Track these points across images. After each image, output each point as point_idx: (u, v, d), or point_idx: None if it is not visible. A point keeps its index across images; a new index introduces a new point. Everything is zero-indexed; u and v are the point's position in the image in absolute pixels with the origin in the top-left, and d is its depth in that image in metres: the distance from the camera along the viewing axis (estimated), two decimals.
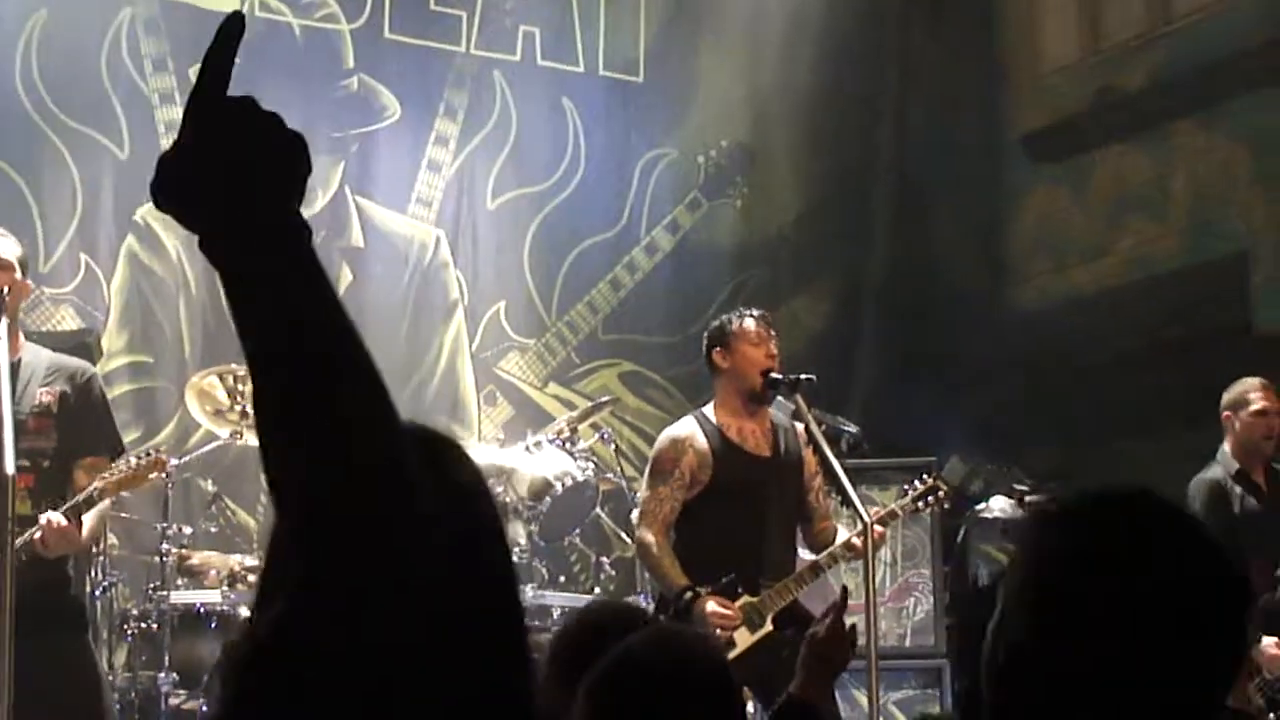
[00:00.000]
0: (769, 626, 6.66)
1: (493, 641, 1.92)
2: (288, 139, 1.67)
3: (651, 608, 7.31)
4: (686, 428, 6.96)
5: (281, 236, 1.64)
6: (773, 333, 6.97)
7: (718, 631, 6.50)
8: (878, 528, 6.61)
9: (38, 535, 5.85)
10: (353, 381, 1.68)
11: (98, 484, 5.93)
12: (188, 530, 8.69)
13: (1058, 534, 2.07)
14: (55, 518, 5.85)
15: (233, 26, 1.67)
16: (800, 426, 7.09)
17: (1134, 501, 2.08)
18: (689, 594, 6.62)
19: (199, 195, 1.63)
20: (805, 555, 7.12)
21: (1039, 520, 2.12)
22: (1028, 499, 9.70)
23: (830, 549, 6.82)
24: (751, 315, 6.97)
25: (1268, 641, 7.37)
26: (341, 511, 1.60)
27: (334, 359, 1.65)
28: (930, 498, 7.13)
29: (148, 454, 6.19)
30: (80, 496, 5.91)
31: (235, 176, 1.65)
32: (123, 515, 8.56)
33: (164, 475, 6.57)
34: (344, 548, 1.60)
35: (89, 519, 5.97)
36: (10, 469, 5.37)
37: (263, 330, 1.64)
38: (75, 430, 6.10)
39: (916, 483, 7.15)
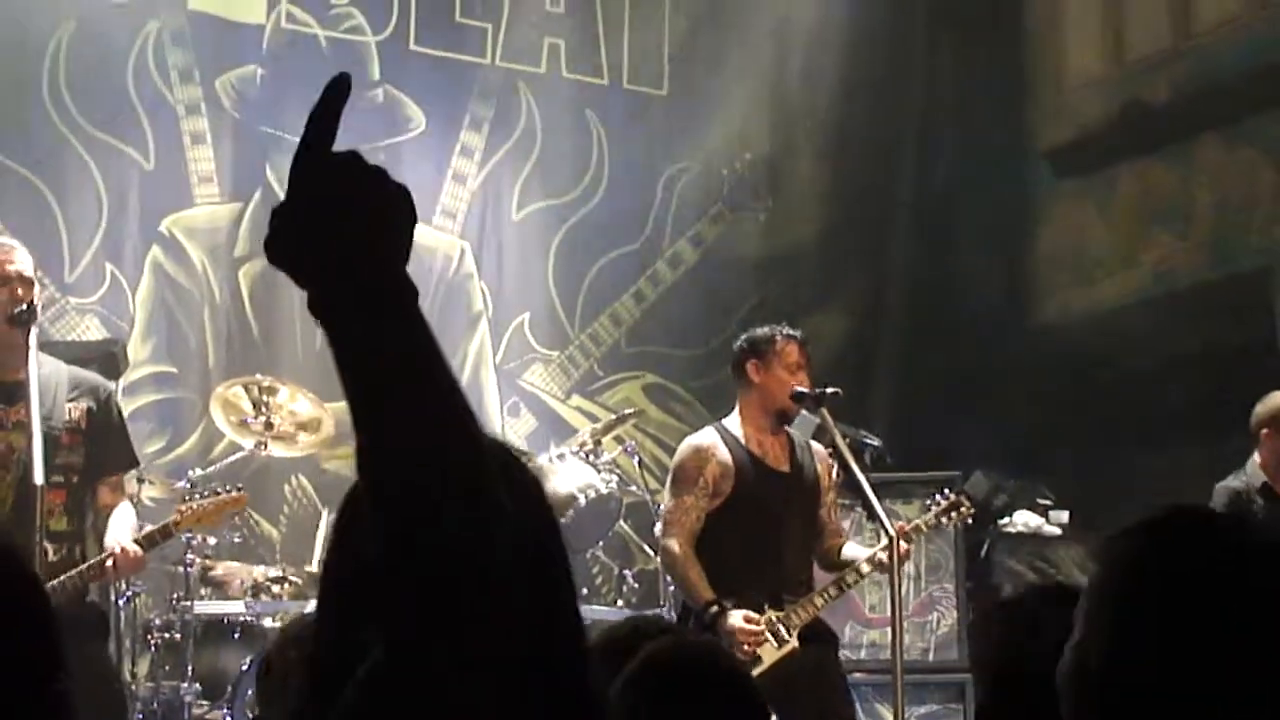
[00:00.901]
0: (794, 642, 6.64)
1: (569, 655, 1.94)
2: (393, 194, 1.66)
3: (675, 619, 7.30)
4: (708, 438, 6.94)
5: (388, 299, 1.65)
6: (808, 359, 6.95)
7: (744, 647, 6.48)
8: (902, 544, 6.59)
9: (110, 562, 5.87)
10: (455, 446, 1.70)
11: (175, 517, 6.01)
12: (211, 541, 8.70)
13: (1139, 551, 2.06)
14: (131, 547, 5.89)
15: (340, 86, 1.67)
16: (816, 444, 7.09)
17: (1213, 520, 2.08)
18: (715, 608, 6.61)
19: (309, 254, 1.63)
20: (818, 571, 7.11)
21: (1121, 539, 2.09)
22: (1051, 514, 9.69)
23: (855, 564, 6.80)
24: (796, 339, 6.92)
25: None
26: (441, 574, 1.61)
27: (435, 424, 1.66)
28: (954, 513, 7.11)
29: (229, 490, 6.24)
30: (166, 522, 5.99)
31: (344, 236, 1.66)
32: (146, 526, 8.57)
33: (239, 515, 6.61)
34: (447, 604, 1.63)
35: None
36: (40, 479, 5.40)
37: (366, 392, 1.64)
38: (99, 447, 6.13)
39: (939, 498, 7.13)
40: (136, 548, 5.90)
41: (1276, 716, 1.95)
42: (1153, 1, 10.86)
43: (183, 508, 6.06)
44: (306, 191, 1.69)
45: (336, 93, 1.65)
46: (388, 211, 1.65)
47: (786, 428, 7.02)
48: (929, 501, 7.19)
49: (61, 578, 5.80)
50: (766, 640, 6.58)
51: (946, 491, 7.19)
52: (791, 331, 6.96)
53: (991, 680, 3.01)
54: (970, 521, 7.42)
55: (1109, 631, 2.02)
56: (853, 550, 7.01)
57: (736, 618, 6.56)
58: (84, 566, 5.88)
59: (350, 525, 2.06)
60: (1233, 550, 2.01)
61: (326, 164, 1.63)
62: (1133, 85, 10.79)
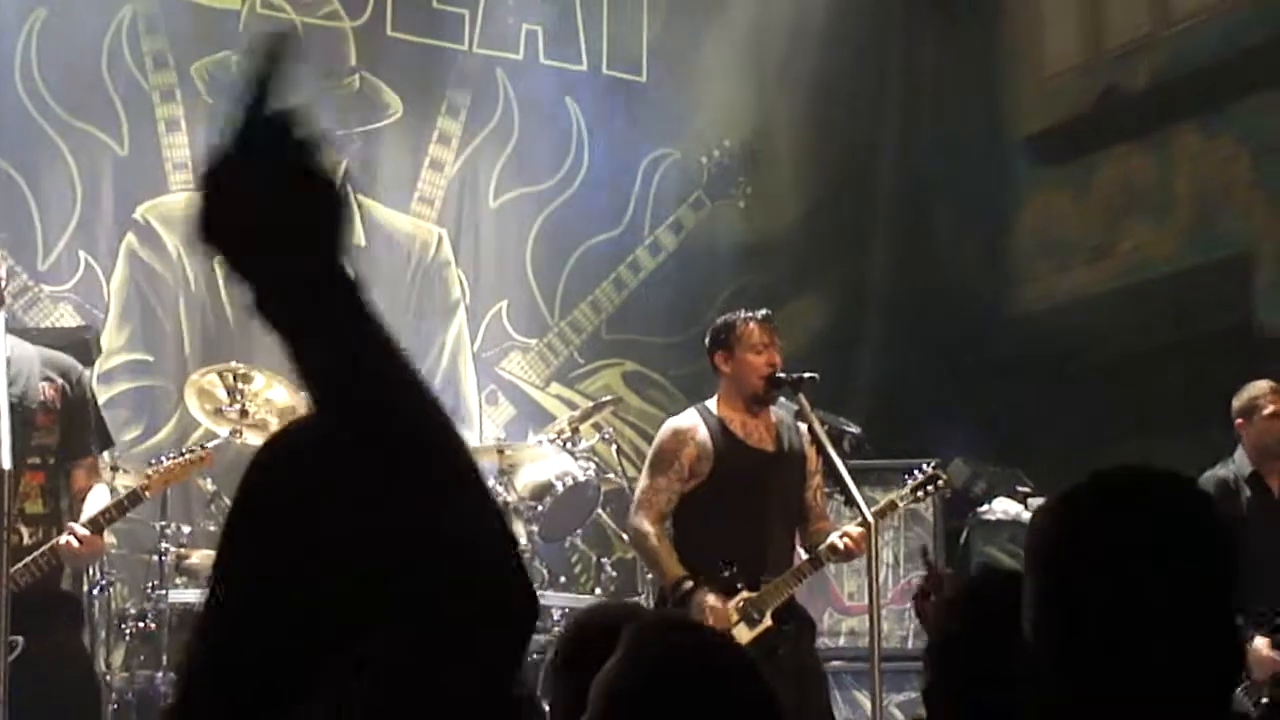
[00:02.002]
0: (768, 622, 6.63)
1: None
2: (325, 191, 1.62)
3: (652, 606, 7.27)
4: (689, 420, 6.95)
5: (325, 291, 1.60)
6: (775, 337, 6.93)
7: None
8: (853, 540, 6.58)
9: (62, 543, 5.82)
10: (416, 432, 1.69)
11: (143, 481, 5.93)
12: (186, 529, 8.66)
13: (1050, 524, 2.05)
14: (81, 532, 5.82)
15: (278, 46, 1.62)
16: (804, 425, 7.06)
17: (1121, 482, 2.06)
18: (686, 583, 6.59)
19: (242, 248, 1.59)
20: (801, 554, 7.08)
21: (1038, 514, 2.09)
22: (1031, 501, 9.68)
23: (829, 541, 6.76)
24: (755, 319, 6.91)
25: (1260, 642, 7.33)
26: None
27: (392, 412, 1.65)
28: (930, 487, 7.08)
29: (193, 450, 6.20)
30: (139, 484, 5.92)
31: (275, 234, 1.64)
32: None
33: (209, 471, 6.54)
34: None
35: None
36: (7, 464, 5.35)
37: (317, 383, 1.62)
38: (73, 428, 6.07)
39: (916, 472, 7.09)
40: (86, 530, 5.82)
41: (1202, 678, 1.94)
42: None
43: (149, 471, 6.02)
44: (236, 177, 1.65)
45: (274, 56, 1.59)
46: (316, 204, 1.59)
47: (774, 410, 7.01)
48: (905, 477, 7.14)
49: (22, 563, 5.74)
50: (739, 621, 6.56)
51: (924, 466, 7.14)
52: (751, 313, 6.95)
53: (934, 664, 3.00)
54: (948, 495, 7.39)
55: (1037, 599, 2.01)
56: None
57: (710, 597, 6.54)
58: (36, 554, 5.81)
59: (272, 514, 1.97)
60: (1152, 515, 2.00)
61: (266, 143, 1.56)
62: (1111, 73, 10.78)
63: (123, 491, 6.31)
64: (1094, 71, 10.87)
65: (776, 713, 2.64)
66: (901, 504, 7.10)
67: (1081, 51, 11.08)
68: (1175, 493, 2.08)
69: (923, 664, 3.06)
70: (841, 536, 6.71)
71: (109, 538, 8.13)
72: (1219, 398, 8.01)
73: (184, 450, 6.22)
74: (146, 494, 6.01)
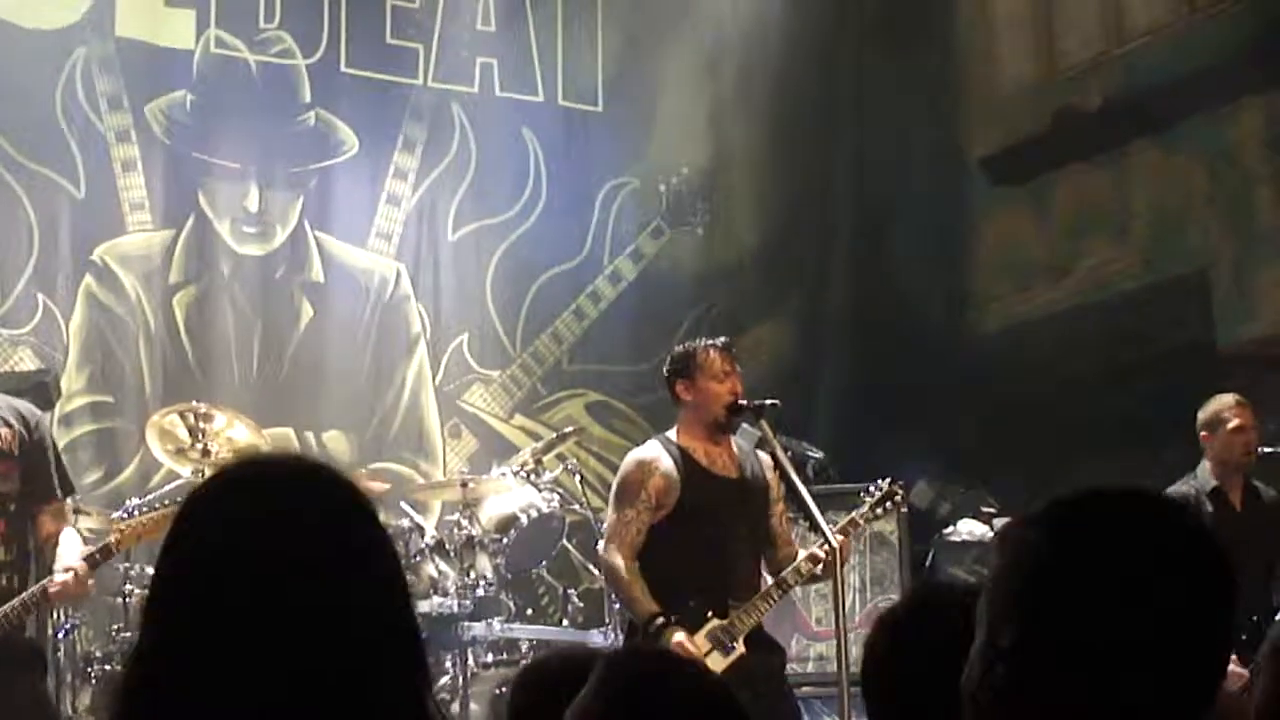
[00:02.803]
0: (740, 649, 6.61)
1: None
2: None
3: (620, 640, 7.25)
4: (652, 451, 6.87)
5: None
6: (735, 365, 6.90)
7: None
8: (841, 539, 6.57)
9: (55, 588, 5.77)
10: None
11: (114, 536, 5.88)
12: (150, 570, 8.61)
13: (1034, 541, 2.04)
14: (79, 566, 5.79)
15: None
16: (764, 454, 7.05)
17: (1107, 501, 2.06)
18: (658, 620, 6.57)
19: None
20: (767, 579, 7.05)
21: (1013, 529, 2.07)
22: (996, 521, 9.69)
23: (795, 564, 6.74)
24: (715, 347, 6.87)
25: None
26: None
27: None
28: (889, 503, 7.05)
29: (165, 503, 6.15)
30: (106, 543, 5.86)
31: None
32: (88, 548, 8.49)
33: None
34: None
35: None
36: None
37: None
38: (33, 473, 6.03)
39: (873, 488, 7.06)
40: (84, 565, 5.80)
41: (1174, 698, 1.94)
42: (1083, 8, 10.91)
43: (121, 526, 5.96)
44: None
45: None
46: None
47: (731, 436, 6.98)
48: (863, 494, 7.09)
49: (4, 607, 5.71)
50: (711, 650, 6.54)
51: (879, 482, 7.11)
52: (711, 341, 6.93)
53: (872, 692, 2.99)
54: (905, 509, 7.34)
55: (1012, 626, 2.00)
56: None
57: (680, 636, 6.52)
58: (25, 595, 5.78)
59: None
60: (1117, 531, 2.00)
61: None
62: (1066, 92, 10.83)
63: (85, 535, 6.27)
64: (1048, 92, 10.92)
65: None
66: (862, 521, 7.07)
67: (1035, 71, 11.13)
68: (1173, 514, 2.08)
69: (862, 690, 3.06)
70: (809, 556, 6.69)
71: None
72: (1183, 414, 8.02)
73: (157, 504, 6.16)
74: (117, 548, 5.96)
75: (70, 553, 5.92)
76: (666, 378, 6.96)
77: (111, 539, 5.87)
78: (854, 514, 6.98)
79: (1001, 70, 11.32)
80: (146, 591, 2.00)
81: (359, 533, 2.00)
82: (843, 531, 6.71)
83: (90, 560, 5.83)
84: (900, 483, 7.15)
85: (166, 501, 6.20)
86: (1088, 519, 2.04)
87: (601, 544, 6.96)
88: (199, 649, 1.89)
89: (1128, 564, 1.96)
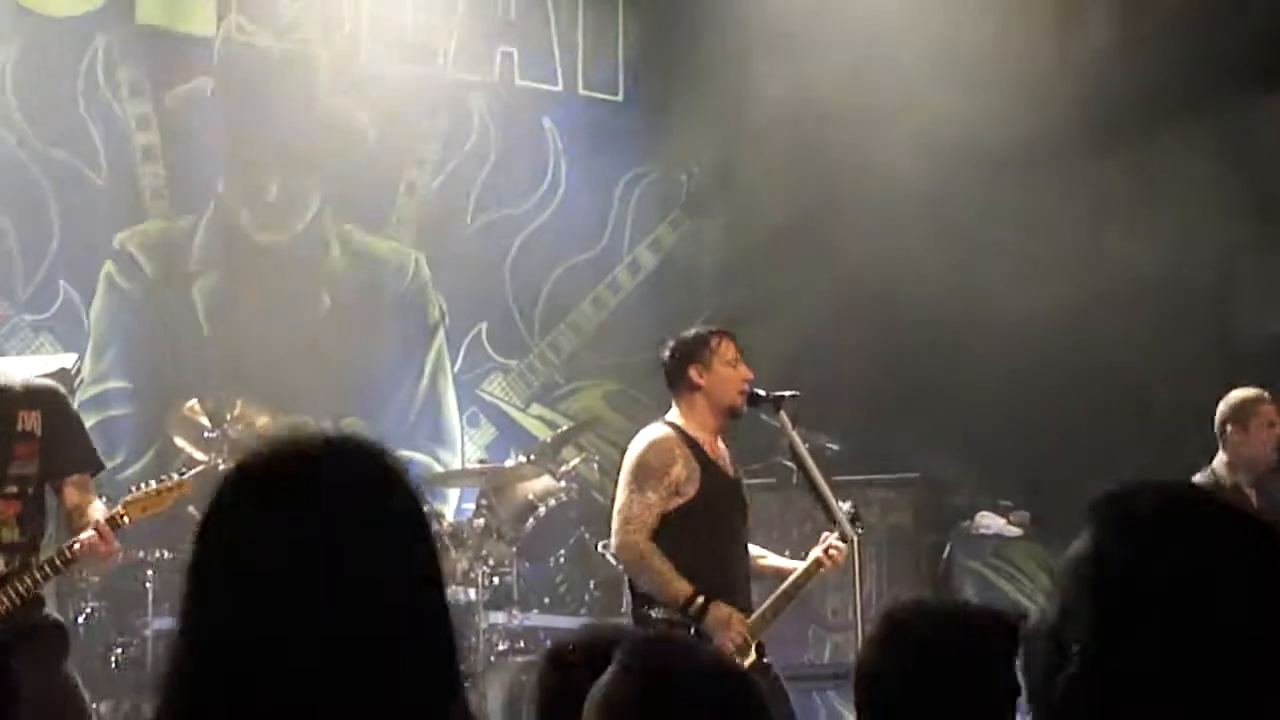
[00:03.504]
0: (753, 655, 6.53)
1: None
2: None
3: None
4: (669, 435, 6.70)
5: None
6: (740, 352, 6.84)
7: (735, 639, 6.38)
8: (839, 546, 6.51)
9: (79, 546, 5.77)
10: None
11: (120, 509, 5.87)
12: (169, 556, 8.65)
13: (1122, 537, 2.03)
14: (105, 528, 5.78)
15: None
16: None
17: (1198, 502, 2.05)
18: (699, 598, 6.45)
19: None
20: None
21: (1103, 523, 2.05)
22: (1013, 515, 9.69)
23: (797, 574, 6.67)
24: (726, 333, 6.84)
25: None
26: None
27: None
28: (853, 531, 6.70)
29: (171, 476, 6.15)
30: (114, 512, 5.85)
31: None
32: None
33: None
34: None
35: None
36: None
37: None
38: (60, 451, 6.03)
39: (838, 517, 6.70)
40: (106, 525, 5.80)
41: (1258, 701, 1.93)
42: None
43: (128, 499, 5.96)
44: None
45: None
46: None
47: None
48: (827, 533, 6.83)
49: (41, 561, 5.72)
50: (733, 652, 6.47)
51: (843, 506, 6.75)
52: (712, 328, 6.89)
53: (868, 702, 3.00)
54: (860, 533, 6.97)
55: (1089, 617, 1.99)
56: (774, 559, 6.94)
57: (725, 609, 6.41)
58: (47, 558, 5.78)
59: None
60: (1212, 536, 1.99)
61: None
62: (1089, 81, 10.79)
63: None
64: (1070, 81, 10.88)
65: None
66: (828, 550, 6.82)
67: (1058, 60, 11.08)
68: (1241, 517, 2.08)
69: (855, 701, 3.07)
70: (826, 550, 6.63)
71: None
72: (1199, 410, 7.97)
73: (161, 478, 6.16)
74: (125, 521, 5.96)
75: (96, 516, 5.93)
76: (674, 362, 6.80)
77: (117, 512, 5.86)
78: (817, 554, 6.68)
79: (1021, 58, 11.28)
80: (186, 571, 2.00)
81: (396, 510, 2.01)
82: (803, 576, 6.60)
83: (111, 522, 5.83)
84: (919, 481, 7.06)
85: (165, 478, 6.17)
86: (1170, 522, 2.03)
87: (615, 525, 6.70)
88: (239, 627, 1.91)
89: (1206, 566, 1.96)
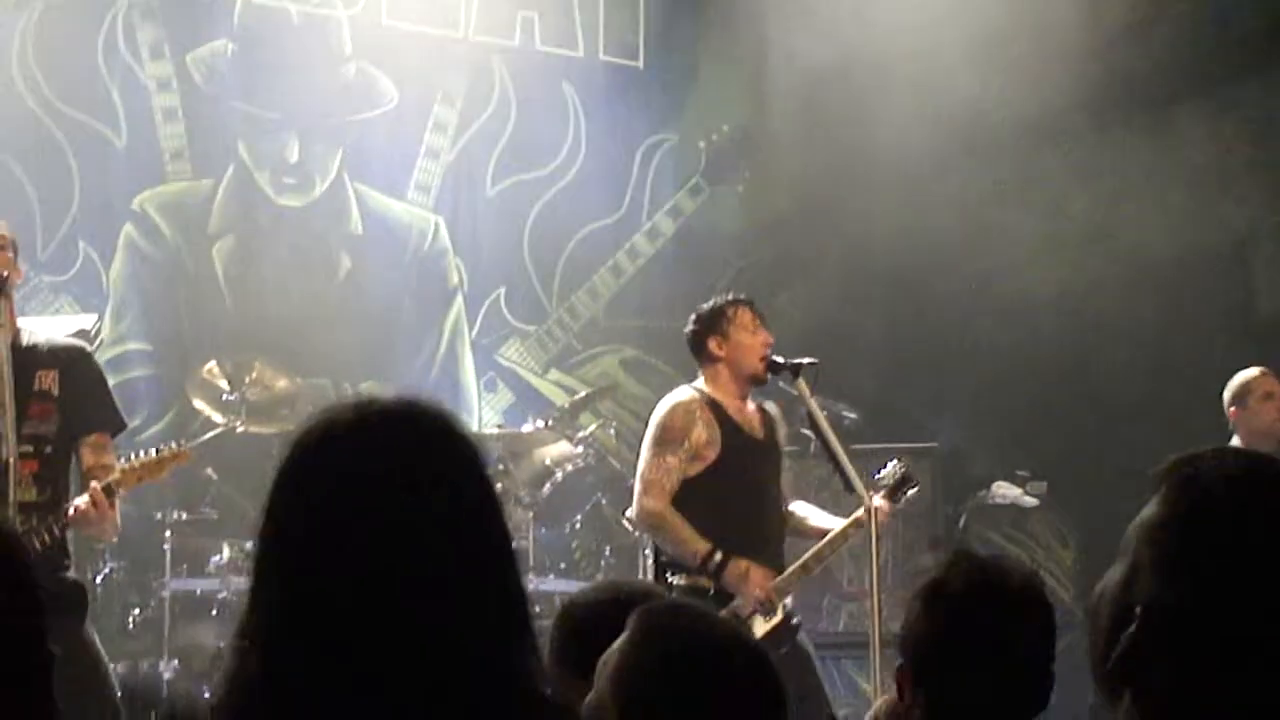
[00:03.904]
0: (779, 616, 6.57)
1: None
2: None
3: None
4: (692, 399, 6.80)
5: None
6: (760, 320, 6.88)
7: (757, 594, 6.41)
8: (880, 506, 6.51)
9: (73, 512, 5.77)
10: None
11: (115, 475, 5.85)
12: (187, 517, 8.68)
13: (1201, 499, 2.03)
14: (99, 495, 5.76)
15: None
16: (774, 411, 7.02)
17: (1266, 466, 2.05)
18: (717, 554, 6.50)
19: None
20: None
21: (1183, 485, 2.05)
22: (1030, 485, 9.68)
23: (833, 535, 6.72)
24: (744, 303, 6.89)
25: None
26: None
27: None
28: (901, 492, 6.80)
29: (169, 445, 6.14)
30: (110, 480, 5.83)
31: None
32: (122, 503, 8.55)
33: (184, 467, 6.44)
34: None
35: (116, 504, 5.91)
36: (11, 458, 5.35)
37: None
38: (78, 411, 6.03)
39: (886, 470, 6.87)
40: (100, 491, 5.78)
41: None
42: None
43: (124, 464, 5.95)
44: None
45: None
46: None
47: (755, 400, 6.95)
48: (875, 473, 6.92)
49: (35, 528, 5.72)
50: (754, 615, 6.50)
51: (892, 464, 6.94)
52: (736, 297, 6.92)
53: (914, 665, 3.00)
54: (909, 494, 7.06)
55: (1164, 576, 1.98)
56: (820, 518, 6.94)
57: (745, 563, 6.48)
58: (49, 520, 5.78)
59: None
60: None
61: None
62: (1109, 55, 10.75)
63: None
64: (1092, 53, 10.84)
65: (783, 701, 2.64)
66: (891, 511, 6.84)
67: (1075, 32, 11.04)
68: None
69: (900, 649, 3.07)
70: (850, 524, 6.64)
71: None
72: (1219, 381, 7.98)
73: (159, 446, 6.14)
74: (120, 489, 5.94)
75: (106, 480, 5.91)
76: (695, 335, 6.92)
77: (113, 479, 5.85)
78: (881, 504, 6.75)
79: (1044, 31, 11.23)
80: (264, 525, 2.00)
81: (471, 481, 2.03)
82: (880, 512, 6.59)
83: (106, 489, 5.82)
84: (935, 451, 7.07)
85: (163, 447, 6.16)
86: (1251, 488, 2.03)
87: (636, 490, 6.81)
88: (311, 599, 1.91)
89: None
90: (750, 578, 6.48)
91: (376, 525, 1.92)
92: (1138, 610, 1.97)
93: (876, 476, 6.90)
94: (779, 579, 6.61)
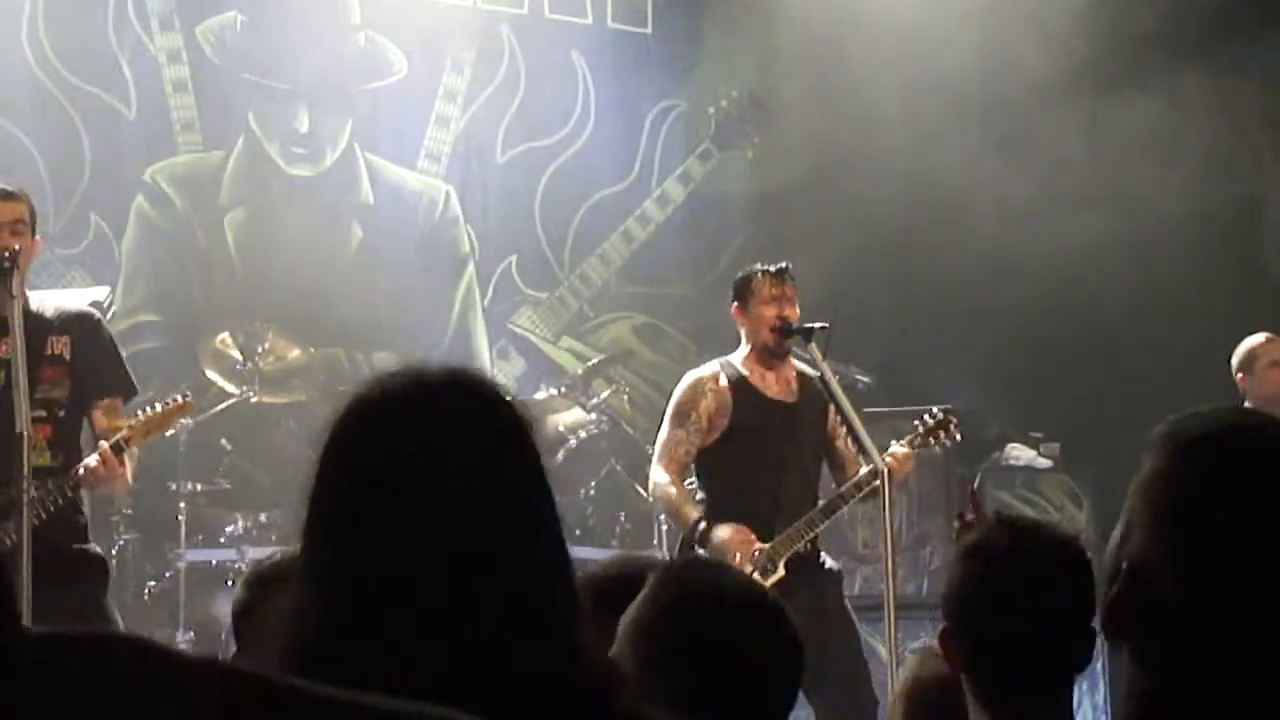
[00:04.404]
0: (781, 572, 6.64)
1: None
2: None
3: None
4: (709, 370, 7.02)
5: None
6: (788, 290, 6.92)
7: (735, 557, 6.49)
8: (896, 461, 6.57)
9: (83, 471, 5.81)
10: None
11: (124, 432, 5.88)
12: (201, 488, 8.70)
13: (1188, 459, 2.03)
14: (108, 454, 5.80)
15: None
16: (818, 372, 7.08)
17: (1260, 423, 2.06)
18: (701, 524, 6.66)
19: None
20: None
21: (1171, 441, 2.06)
22: (1043, 446, 9.68)
23: (840, 491, 6.80)
24: (766, 272, 6.95)
25: None
26: None
27: None
28: (941, 433, 7.03)
29: (174, 398, 6.17)
30: (119, 437, 5.86)
31: None
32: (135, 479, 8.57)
33: (189, 419, 6.48)
34: None
35: (127, 463, 5.94)
36: (25, 427, 5.37)
37: None
38: (89, 375, 6.06)
39: (926, 417, 7.06)
40: (108, 449, 5.82)
41: None
42: None
43: (132, 422, 5.99)
44: None
45: None
46: None
47: (797, 363, 7.03)
48: (916, 422, 7.09)
49: (49, 491, 5.74)
50: (754, 570, 6.56)
51: (934, 410, 7.12)
52: (764, 266, 6.97)
53: (956, 626, 3.00)
54: (959, 438, 7.28)
55: (1149, 536, 1.99)
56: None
57: (724, 530, 6.60)
58: (58, 480, 5.80)
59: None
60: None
61: None
62: (1118, 14, 10.72)
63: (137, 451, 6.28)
64: (1101, 14, 10.81)
65: (798, 650, 2.66)
66: (913, 448, 7.00)
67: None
68: None
69: (943, 611, 3.07)
70: (855, 482, 6.71)
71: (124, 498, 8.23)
72: (1231, 342, 7.99)
73: (165, 400, 6.18)
74: (129, 444, 5.97)
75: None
76: (731, 302, 7.07)
77: (122, 436, 5.88)
78: (904, 443, 6.93)
79: None
80: (314, 494, 2.00)
81: (528, 448, 2.04)
82: (896, 459, 6.66)
83: (115, 447, 5.85)
84: (951, 412, 7.12)
85: (174, 396, 6.19)
86: (1238, 452, 2.03)
87: (652, 461, 7.07)
88: (361, 569, 1.91)
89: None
90: (730, 544, 6.57)
91: (441, 493, 1.93)
92: (1123, 566, 1.98)
93: (917, 423, 7.04)
94: (777, 540, 6.69)
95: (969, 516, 3.71)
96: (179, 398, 6.19)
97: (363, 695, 1.10)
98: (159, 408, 6.07)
